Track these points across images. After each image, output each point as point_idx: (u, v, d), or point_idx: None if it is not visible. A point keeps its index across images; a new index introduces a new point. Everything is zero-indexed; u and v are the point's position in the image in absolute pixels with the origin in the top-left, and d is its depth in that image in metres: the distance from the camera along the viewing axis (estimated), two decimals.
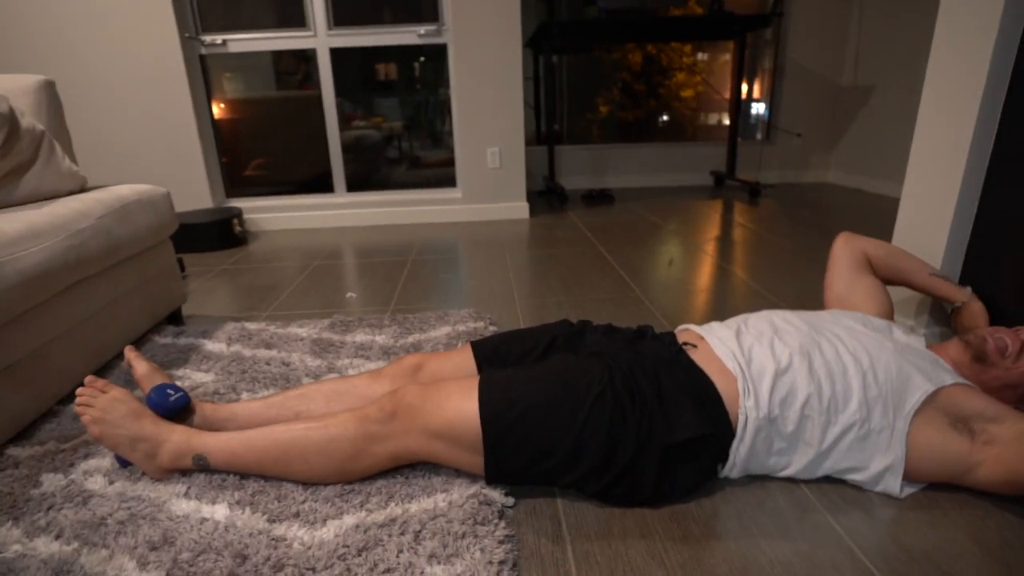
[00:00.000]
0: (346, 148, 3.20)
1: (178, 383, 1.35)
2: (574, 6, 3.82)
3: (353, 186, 3.26)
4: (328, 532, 0.85)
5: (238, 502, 0.92)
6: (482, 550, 0.81)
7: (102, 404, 0.97)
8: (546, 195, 3.80)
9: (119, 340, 1.45)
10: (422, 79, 3.21)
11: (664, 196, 3.69)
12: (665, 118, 4.17)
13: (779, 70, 3.91)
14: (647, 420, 0.88)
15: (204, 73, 3.00)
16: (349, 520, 0.87)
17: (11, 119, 1.35)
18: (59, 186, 1.48)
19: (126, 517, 0.90)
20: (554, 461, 0.88)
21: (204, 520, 0.88)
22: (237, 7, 2.95)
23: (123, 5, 2.71)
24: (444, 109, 3.23)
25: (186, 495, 0.94)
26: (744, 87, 4.03)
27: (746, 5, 3.90)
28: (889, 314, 1.18)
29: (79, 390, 1.00)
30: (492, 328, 1.62)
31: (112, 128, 2.88)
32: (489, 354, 1.10)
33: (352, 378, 1.11)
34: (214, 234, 2.69)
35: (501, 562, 0.79)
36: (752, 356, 0.95)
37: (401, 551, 0.81)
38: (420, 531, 0.85)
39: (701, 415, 0.90)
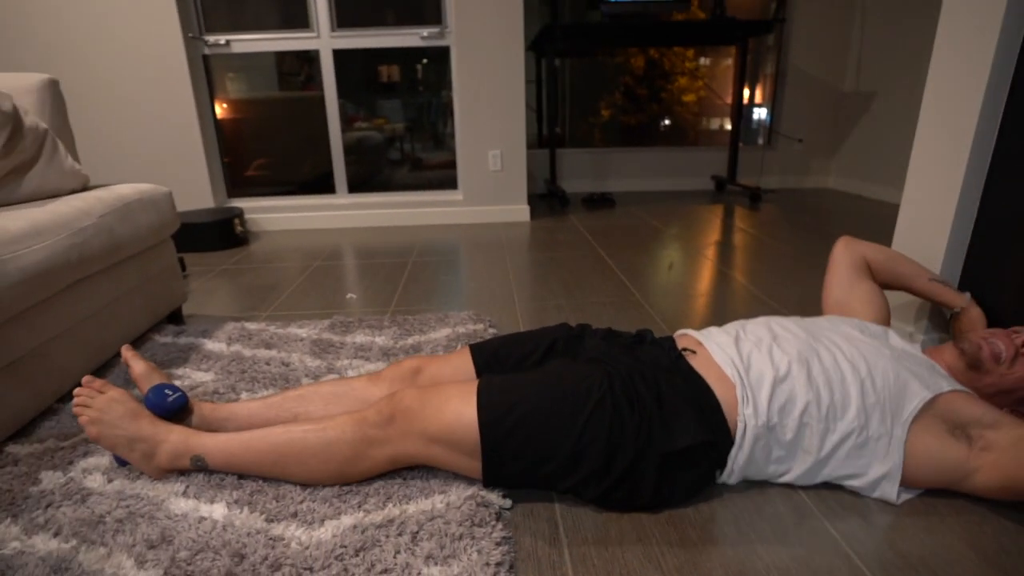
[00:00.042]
0: (348, 149, 3.20)
1: (178, 382, 1.36)
2: (577, 9, 3.84)
3: (354, 187, 3.27)
4: (326, 532, 0.85)
5: (236, 501, 0.92)
6: (479, 551, 0.81)
7: (99, 404, 0.98)
8: (547, 198, 3.81)
9: (120, 339, 1.45)
10: (424, 81, 3.22)
11: (665, 200, 3.69)
12: (667, 122, 4.17)
13: (781, 75, 3.92)
14: (646, 426, 0.88)
15: (207, 73, 3.01)
16: (347, 520, 0.88)
17: (15, 117, 1.35)
18: (62, 184, 1.49)
19: (124, 515, 0.90)
20: (553, 466, 0.88)
21: (202, 519, 0.88)
22: (241, 8, 2.96)
23: (127, 5, 2.72)
24: (446, 111, 3.24)
25: (184, 494, 0.94)
26: (746, 92, 4.04)
27: (748, 11, 3.91)
28: (886, 320, 1.18)
29: (77, 390, 1.00)
30: (492, 330, 1.63)
31: (115, 127, 2.89)
32: (488, 357, 1.10)
33: (351, 380, 1.11)
34: (215, 234, 2.69)
35: (498, 564, 0.79)
36: (751, 363, 0.95)
37: (398, 552, 0.81)
38: (417, 532, 0.85)
39: (700, 423, 0.90)
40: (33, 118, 1.43)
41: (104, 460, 1.05)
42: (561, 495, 0.97)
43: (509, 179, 3.12)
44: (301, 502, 0.92)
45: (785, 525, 0.89)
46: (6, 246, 1.08)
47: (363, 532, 0.85)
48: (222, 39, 2.95)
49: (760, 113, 4.12)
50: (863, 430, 0.90)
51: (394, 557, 0.80)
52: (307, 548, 0.83)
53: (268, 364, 1.43)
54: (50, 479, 1.00)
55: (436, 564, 0.79)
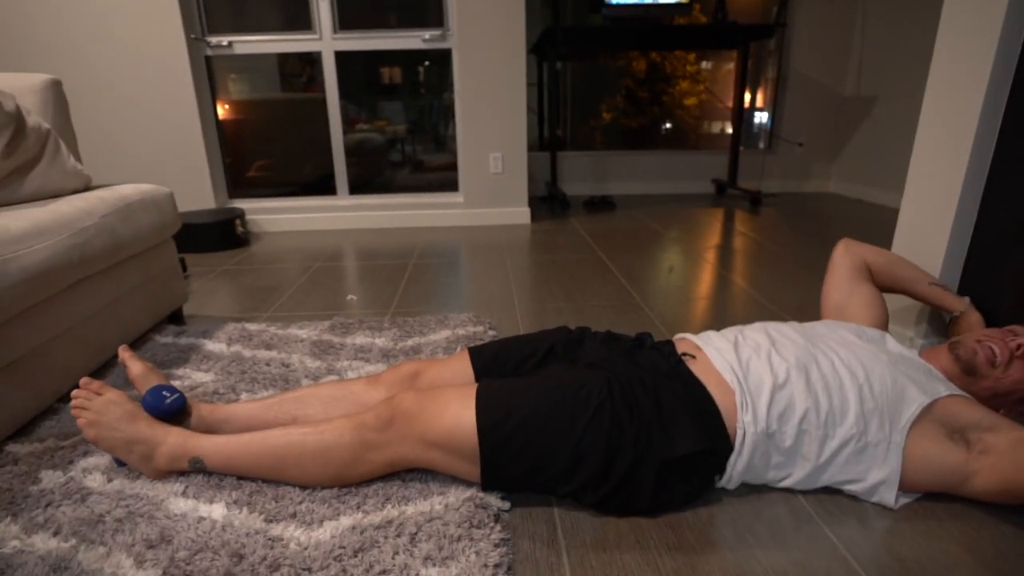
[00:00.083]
0: (349, 151, 3.21)
1: (178, 382, 1.36)
2: (579, 12, 3.84)
3: (356, 189, 3.27)
4: (324, 533, 0.86)
5: (235, 502, 0.92)
6: (477, 553, 0.81)
7: (97, 407, 0.98)
8: (548, 201, 3.81)
9: (120, 339, 1.46)
10: (426, 83, 3.23)
11: (666, 204, 3.70)
12: (668, 126, 4.18)
13: (782, 80, 3.92)
14: (645, 432, 0.88)
15: (209, 74, 3.02)
16: (346, 521, 0.88)
17: (17, 117, 1.36)
18: (64, 184, 1.49)
19: (124, 515, 0.90)
20: (552, 471, 0.88)
21: (201, 519, 0.89)
22: (243, 9, 2.97)
23: (129, 6, 2.73)
24: (447, 113, 3.25)
25: (184, 494, 0.94)
26: (747, 96, 4.04)
27: (750, 15, 3.92)
28: (884, 324, 1.18)
29: (74, 392, 1.00)
30: (492, 332, 1.63)
31: (117, 127, 2.90)
32: (487, 361, 1.10)
33: (350, 383, 1.11)
34: (216, 234, 2.70)
35: (496, 566, 0.79)
36: (750, 369, 0.95)
37: (397, 553, 0.81)
38: (416, 533, 0.85)
39: (699, 429, 0.90)
40: (36, 118, 1.44)
41: (104, 460, 1.05)
42: (560, 498, 0.97)
43: (510, 181, 3.13)
44: (300, 503, 0.92)
45: (783, 529, 0.89)
46: (8, 246, 1.08)
47: (362, 533, 0.85)
48: (224, 40, 2.96)
49: (761, 117, 4.13)
50: (862, 436, 0.90)
51: (392, 558, 0.80)
52: (306, 549, 0.83)
53: (268, 365, 1.44)
54: (50, 478, 1.01)
55: (434, 565, 0.79)
